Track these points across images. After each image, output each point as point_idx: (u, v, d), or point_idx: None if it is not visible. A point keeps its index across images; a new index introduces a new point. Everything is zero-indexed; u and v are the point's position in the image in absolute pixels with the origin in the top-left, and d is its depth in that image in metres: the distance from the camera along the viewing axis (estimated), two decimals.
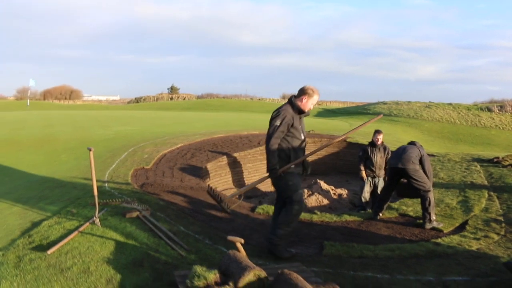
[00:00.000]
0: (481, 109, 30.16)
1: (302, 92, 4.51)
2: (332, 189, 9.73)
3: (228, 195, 4.71)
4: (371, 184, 8.29)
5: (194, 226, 5.12)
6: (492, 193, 7.48)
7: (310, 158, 7.41)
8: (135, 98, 64.72)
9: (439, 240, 5.35)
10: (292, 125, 4.40)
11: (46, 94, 66.19)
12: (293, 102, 4.48)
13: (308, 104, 4.52)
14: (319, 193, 9.09)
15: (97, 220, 4.65)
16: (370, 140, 8.27)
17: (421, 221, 6.11)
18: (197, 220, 5.46)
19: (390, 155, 7.89)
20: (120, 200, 5.66)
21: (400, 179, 6.41)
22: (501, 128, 25.61)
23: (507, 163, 9.39)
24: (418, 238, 5.57)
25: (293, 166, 4.43)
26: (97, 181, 6.85)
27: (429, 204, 6.01)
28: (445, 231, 5.84)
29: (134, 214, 5.02)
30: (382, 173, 8.08)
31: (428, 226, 5.96)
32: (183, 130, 14.93)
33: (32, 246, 4.09)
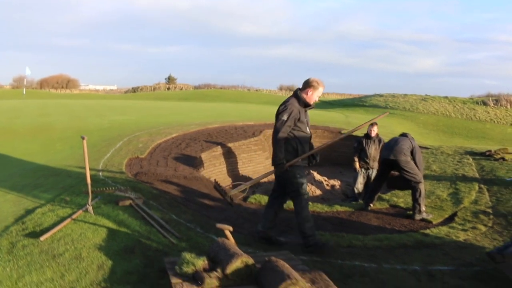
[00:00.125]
0: (477, 102, 30.24)
1: (307, 84, 4.49)
2: (325, 180, 9.81)
3: (234, 189, 4.76)
4: (365, 176, 8.37)
5: (186, 215, 5.19)
6: (482, 185, 7.58)
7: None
8: (132, 88, 64.43)
9: (427, 231, 5.45)
10: (299, 119, 4.40)
11: (42, 83, 65.73)
12: (298, 95, 4.46)
13: (314, 96, 4.50)
14: (312, 184, 9.17)
15: (90, 208, 4.71)
16: (365, 132, 8.33)
17: (411, 212, 6.20)
18: (189, 209, 5.53)
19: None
20: (113, 188, 5.72)
21: (392, 171, 6.49)
22: (496, 122, 25.72)
23: (499, 156, 9.49)
24: (407, 228, 5.67)
25: (300, 160, 4.45)
26: (91, 169, 6.91)
27: (420, 196, 6.10)
28: (434, 222, 5.94)
29: (127, 202, 5.08)
30: (376, 165, 8.16)
31: (417, 217, 6.06)
32: (178, 120, 14.95)
33: (25, 232, 4.15)
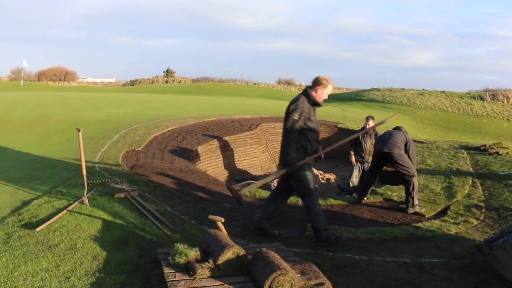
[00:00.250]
0: (474, 97, 30.29)
1: (317, 82, 4.49)
2: (321, 174, 9.87)
3: (244, 189, 4.82)
4: (360, 170, 8.44)
5: (181, 207, 5.25)
6: (476, 179, 7.65)
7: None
8: (130, 81, 64.28)
9: (419, 224, 5.51)
10: (309, 118, 4.42)
11: (40, 75, 65.46)
12: (308, 94, 4.47)
13: (323, 94, 4.52)
14: None
15: (85, 200, 4.76)
16: (362, 126, 8.38)
17: (404, 205, 6.27)
18: (184, 201, 5.59)
19: None
20: (109, 180, 5.76)
21: (385, 164, 6.54)
22: (493, 116, 25.79)
23: (493, 151, 9.56)
24: (399, 222, 5.73)
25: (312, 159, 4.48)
26: (88, 162, 6.96)
27: (413, 189, 6.16)
28: (426, 216, 6.01)
29: (122, 194, 5.13)
30: (371, 159, 8.22)
31: (410, 210, 6.12)
32: (175, 114, 14.98)
33: (21, 223, 4.20)
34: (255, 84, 56.32)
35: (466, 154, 9.72)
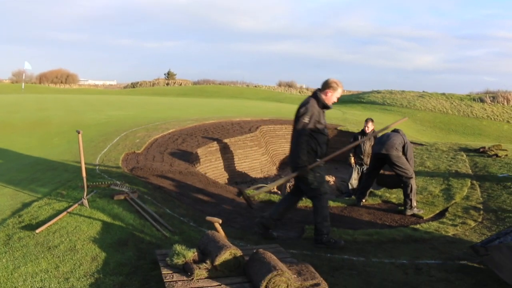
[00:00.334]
0: (474, 99, 30.31)
1: (326, 85, 4.51)
2: None
3: (255, 192, 4.85)
4: (359, 172, 8.47)
5: (180, 209, 5.29)
6: (475, 181, 7.67)
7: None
8: (131, 83, 64.38)
9: (417, 226, 5.53)
10: (319, 121, 4.44)
11: (42, 78, 65.58)
12: (318, 97, 4.48)
13: (333, 97, 4.54)
14: None
15: (85, 202, 4.79)
16: (361, 128, 8.42)
17: (403, 207, 6.29)
18: (183, 203, 5.62)
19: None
20: (109, 182, 5.80)
21: (383, 166, 6.57)
22: (493, 119, 25.81)
23: (492, 153, 9.58)
24: (397, 224, 5.76)
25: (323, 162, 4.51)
26: (88, 164, 7.01)
27: (411, 191, 6.18)
28: (425, 218, 6.03)
29: (122, 196, 5.17)
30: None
31: (409, 212, 6.15)
32: (176, 116, 15.03)
33: (21, 225, 4.24)
34: (256, 86, 56.36)
35: (465, 156, 9.74)
